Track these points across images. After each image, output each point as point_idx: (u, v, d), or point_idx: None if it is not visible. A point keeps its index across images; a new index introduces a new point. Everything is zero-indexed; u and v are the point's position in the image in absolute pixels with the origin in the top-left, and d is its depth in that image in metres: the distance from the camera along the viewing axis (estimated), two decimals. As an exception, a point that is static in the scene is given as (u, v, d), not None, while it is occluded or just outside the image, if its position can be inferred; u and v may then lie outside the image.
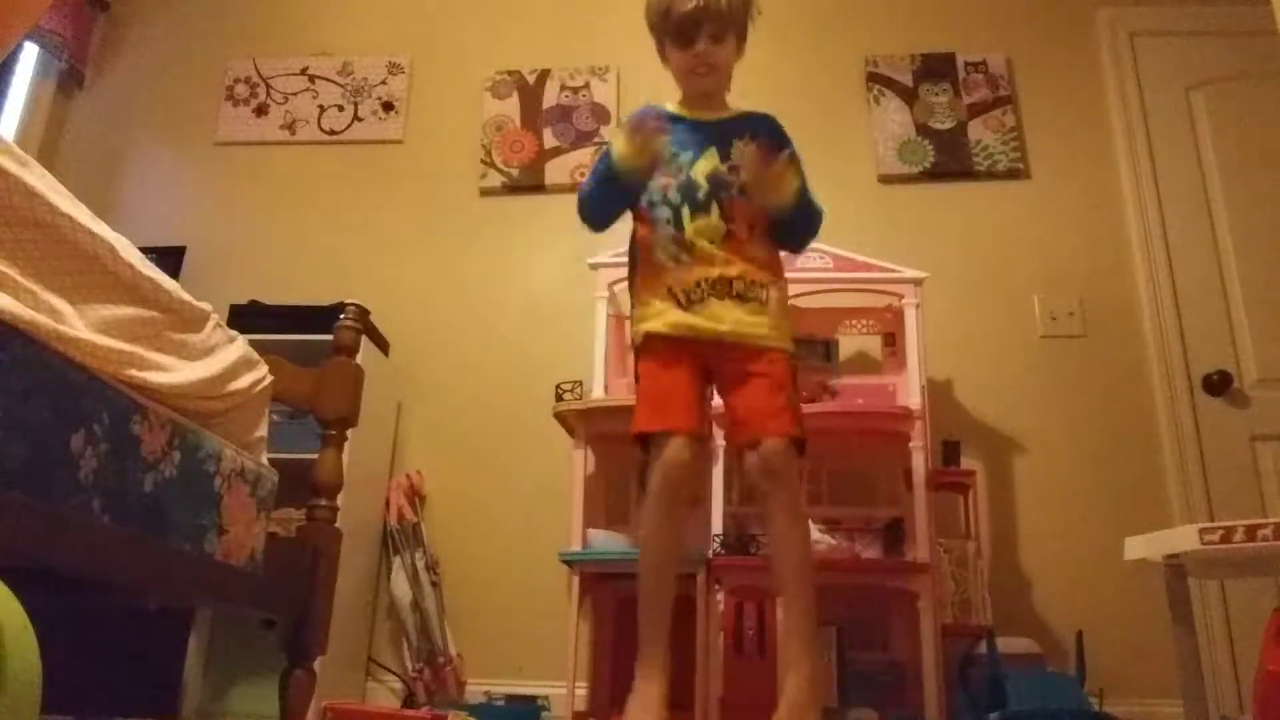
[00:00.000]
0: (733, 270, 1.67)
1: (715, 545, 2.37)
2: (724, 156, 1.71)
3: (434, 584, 2.74)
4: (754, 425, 1.64)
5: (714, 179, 1.69)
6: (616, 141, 1.73)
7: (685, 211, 1.68)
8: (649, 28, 1.77)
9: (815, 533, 2.45)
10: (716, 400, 1.87)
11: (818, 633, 1.66)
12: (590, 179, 1.80)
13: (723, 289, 1.66)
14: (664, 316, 1.69)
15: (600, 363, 2.64)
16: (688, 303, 1.67)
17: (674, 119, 1.74)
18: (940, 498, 2.59)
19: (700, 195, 1.68)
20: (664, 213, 1.70)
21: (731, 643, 2.32)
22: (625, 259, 2.72)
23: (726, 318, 1.66)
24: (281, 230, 3.29)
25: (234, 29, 3.59)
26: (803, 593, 1.64)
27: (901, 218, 3.10)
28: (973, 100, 3.21)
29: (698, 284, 1.66)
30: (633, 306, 1.82)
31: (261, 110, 3.45)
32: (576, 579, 2.47)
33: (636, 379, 1.76)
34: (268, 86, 3.48)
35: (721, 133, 1.74)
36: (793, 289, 2.59)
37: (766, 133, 1.76)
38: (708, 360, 1.71)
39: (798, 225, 1.82)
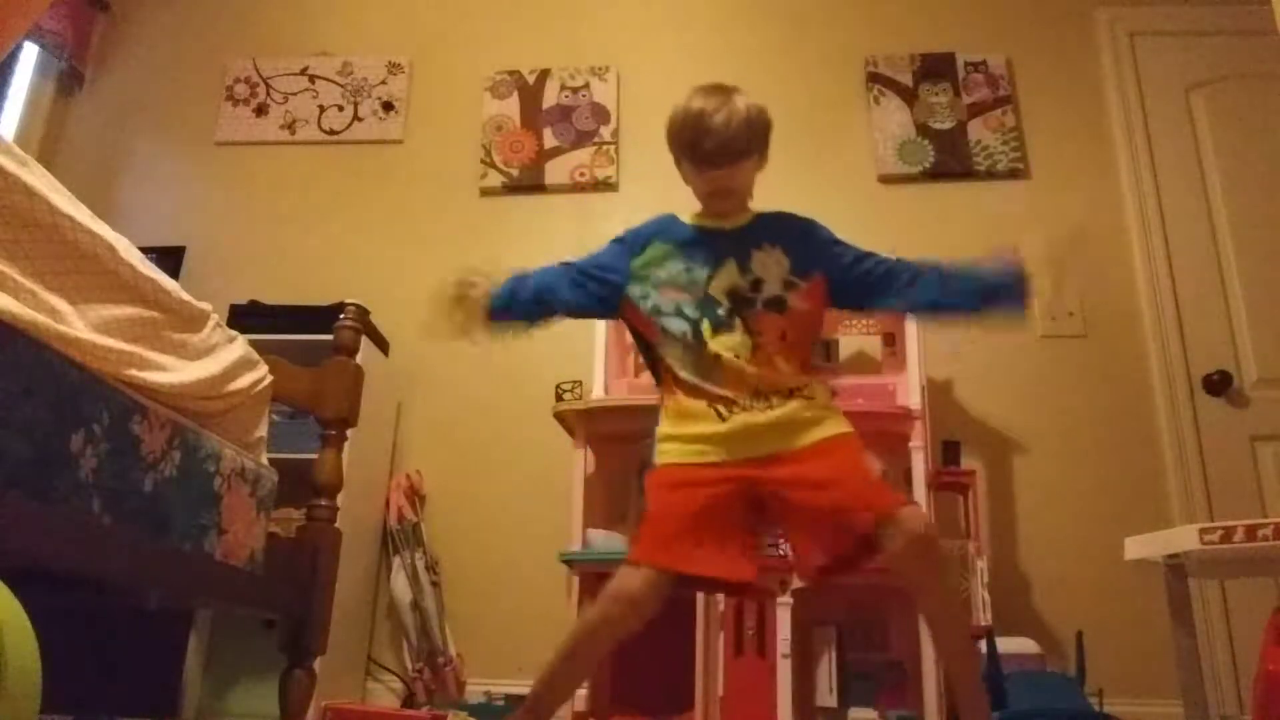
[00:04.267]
0: (766, 386, 1.49)
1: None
2: (743, 269, 1.54)
3: (434, 584, 2.74)
4: (866, 508, 1.41)
5: (733, 295, 1.52)
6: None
7: (705, 326, 1.51)
8: (667, 142, 1.62)
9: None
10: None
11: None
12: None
13: (761, 402, 1.48)
14: (684, 442, 1.50)
15: (600, 363, 2.64)
16: (708, 419, 1.49)
17: (689, 230, 1.61)
18: (940, 498, 2.59)
19: (721, 312, 1.51)
20: (679, 325, 1.52)
21: (731, 643, 2.32)
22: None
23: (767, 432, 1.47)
24: (281, 230, 3.29)
25: (234, 29, 3.59)
26: (973, 667, 1.52)
27: (901, 218, 3.10)
28: (973, 100, 3.21)
29: (718, 404, 1.48)
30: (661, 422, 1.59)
31: (261, 110, 3.45)
32: (576, 579, 2.47)
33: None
34: (268, 86, 3.48)
35: (740, 242, 1.58)
36: (793, 289, 2.61)
37: (792, 239, 1.60)
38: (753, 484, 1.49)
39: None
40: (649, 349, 1.60)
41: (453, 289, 1.65)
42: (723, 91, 1.57)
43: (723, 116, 1.52)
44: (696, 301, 1.53)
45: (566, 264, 1.64)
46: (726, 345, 1.50)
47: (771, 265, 1.55)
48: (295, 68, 3.49)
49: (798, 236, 1.62)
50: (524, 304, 1.63)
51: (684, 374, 1.51)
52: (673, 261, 1.57)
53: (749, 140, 1.55)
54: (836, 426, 1.51)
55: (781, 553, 2.24)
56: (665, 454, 1.52)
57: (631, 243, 1.62)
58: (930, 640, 1.85)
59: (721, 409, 1.47)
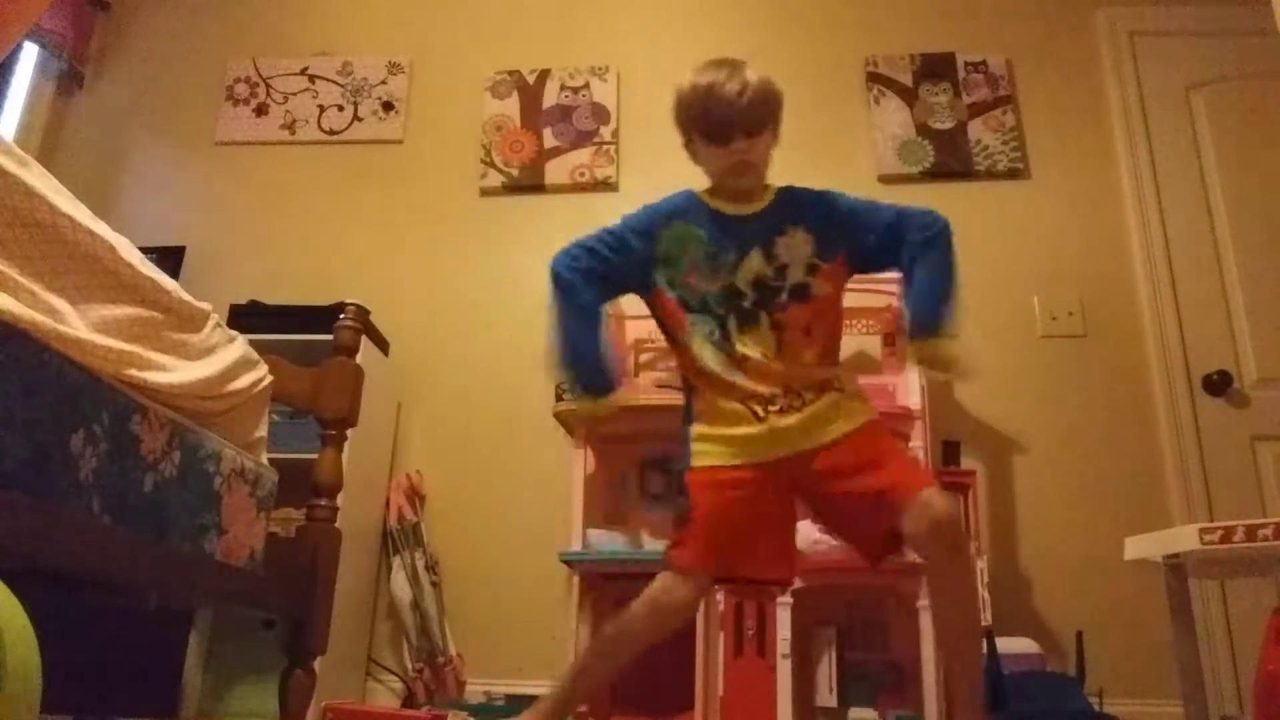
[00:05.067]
0: (795, 382, 1.48)
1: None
2: (768, 255, 1.51)
3: (434, 584, 2.74)
4: (893, 490, 1.41)
5: (758, 285, 1.50)
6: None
7: (732, 323, 1.49)
8: (675, 121, 1.57)
9: (815, 532, 2.45)
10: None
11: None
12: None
13: (795, 399, 1.47)
14: (717, 443, 1.50)
15: (600, 363, 2.64)
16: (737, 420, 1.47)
17: (710, 214, 1.56)
18: (940, 498, 2.58)
19: (746, 305, 1.49)
20: (705, 323, 1.51)
21: (731, 643, 2.32)
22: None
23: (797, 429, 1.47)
24: (281, 230, 3.29)
25: (234, 29, 3.59)
26: (975, 663, 1.48)
27: (901, 218, 3.09)
28: (973, 100, 3.21)
29: (746, 402, 1.47)
30: (689, 421, 1.56)
31: (261, 110, 3.45)
32: (576, 579, 2.47)
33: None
34: (268, 86, 3.48)
35: (764, 227, 1.53)
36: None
37: (816, 217, 1.55)
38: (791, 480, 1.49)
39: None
40: (675, 340, 1.57)
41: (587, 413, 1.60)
42: (730, 63, 1.52)
43: (735, 85, 1.48)
44: (722, 293, 1.50)
45: (589, 272, 1.60)
46: (753, 345, 1.48)
47: (796, 248, 1.52)
48: (295, 68, 3.49)
49: (821, 215, 1.57)
50: (608, 373, 1.58)
51: (715, 370, 1.49)
52: (695, 245, 1.53)
53: (765, 110, 1.51)
54: (865, 414, 1.51)
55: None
56: (703, 455, 1.51)
57: (651, 227, 1.57)
58: (935, 634, 1.82)
59: (757, 409, 1.46)
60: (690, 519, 1.47)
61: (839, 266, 1.55)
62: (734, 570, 1.47)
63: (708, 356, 1.50)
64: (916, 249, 1.56)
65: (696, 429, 1.53)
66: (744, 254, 1.51)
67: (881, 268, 1.62)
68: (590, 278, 1.57)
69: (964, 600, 1.47)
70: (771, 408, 1.46)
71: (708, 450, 1.50)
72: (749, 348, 1.48)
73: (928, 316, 1.52)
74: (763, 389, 1.47)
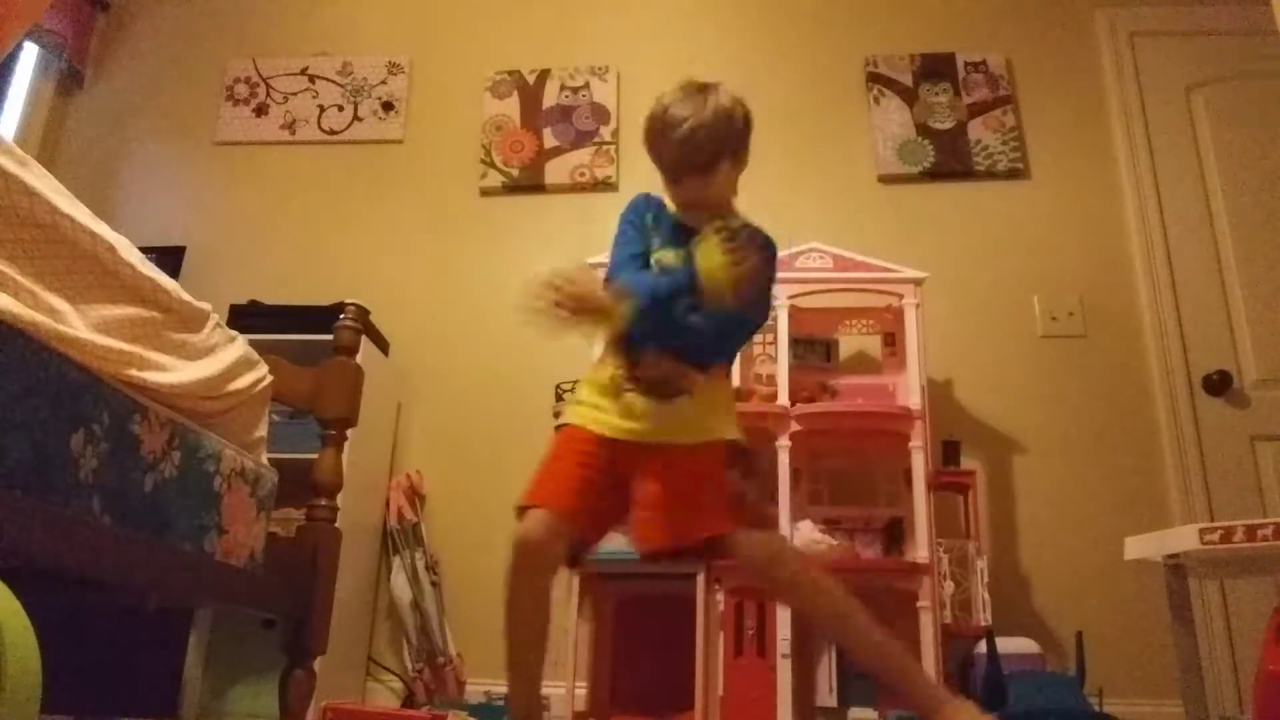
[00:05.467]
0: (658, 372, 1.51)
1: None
2: (686, 255, 1.52)
3: (434, 584, 2.74)
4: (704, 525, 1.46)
5: None
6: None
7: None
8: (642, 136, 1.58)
9: (815, 533, 2.45)
10: None
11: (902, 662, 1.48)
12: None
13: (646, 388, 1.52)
14: (596, 413, 1.55)
15: (600, 363, 2.64)
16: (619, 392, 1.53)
17: (666, 214, 1.61)
18: (940, 498, 2.59)
19: None
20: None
21: (731, 643, 2.32)
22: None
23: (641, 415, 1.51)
24: (281, 230, 3.29)
25: (234, 29, 3.59)
26: (896, 659, 1.47)
27: (901, 218, 3.10)
28: (973, 100, 3.21)
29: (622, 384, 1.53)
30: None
31: (261, 110, 3.45)
32: (576, 579, 2.47)
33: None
34: (268, 86, 3.48)
35: (693, 233, 1.55)
36: (793, 289, 2.62)
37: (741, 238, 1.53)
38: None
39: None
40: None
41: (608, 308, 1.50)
42: (697, 91, 1.52)
43: (686, 128, 1.47)
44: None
45: (633, 258, 1.60)
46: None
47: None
48: (295, 68, 3.49)
49: (750, 241, 1.56)
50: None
51: (617, 349, 1.55)
52: (657, 242, 1.59)
53: (717, 148, 1.50)
54: (706, 432, 1.52)
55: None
56: (575, 415, 1.57)
57: (643, 227, 1.62)
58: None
59: (619, 388, 1.52)
60: (546, 463, 1.54)
61: None
62: (575, 521, 1.47)
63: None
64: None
65: (580, 389, 1.61)
66: (674, 250, 1.56)
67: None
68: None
69: (835, 623, 1.49)
70: (626, 390, 1.52)
71: (578, 412, 1.57)
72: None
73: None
74: (633, 374, 1.52)
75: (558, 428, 1.59)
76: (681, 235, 1.57)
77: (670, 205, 1.62)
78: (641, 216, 1.63)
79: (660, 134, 1.51)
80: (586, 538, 1.52)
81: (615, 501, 1.52)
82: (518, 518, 1.47)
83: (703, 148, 1.49)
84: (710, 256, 1.42)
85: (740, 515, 1.45)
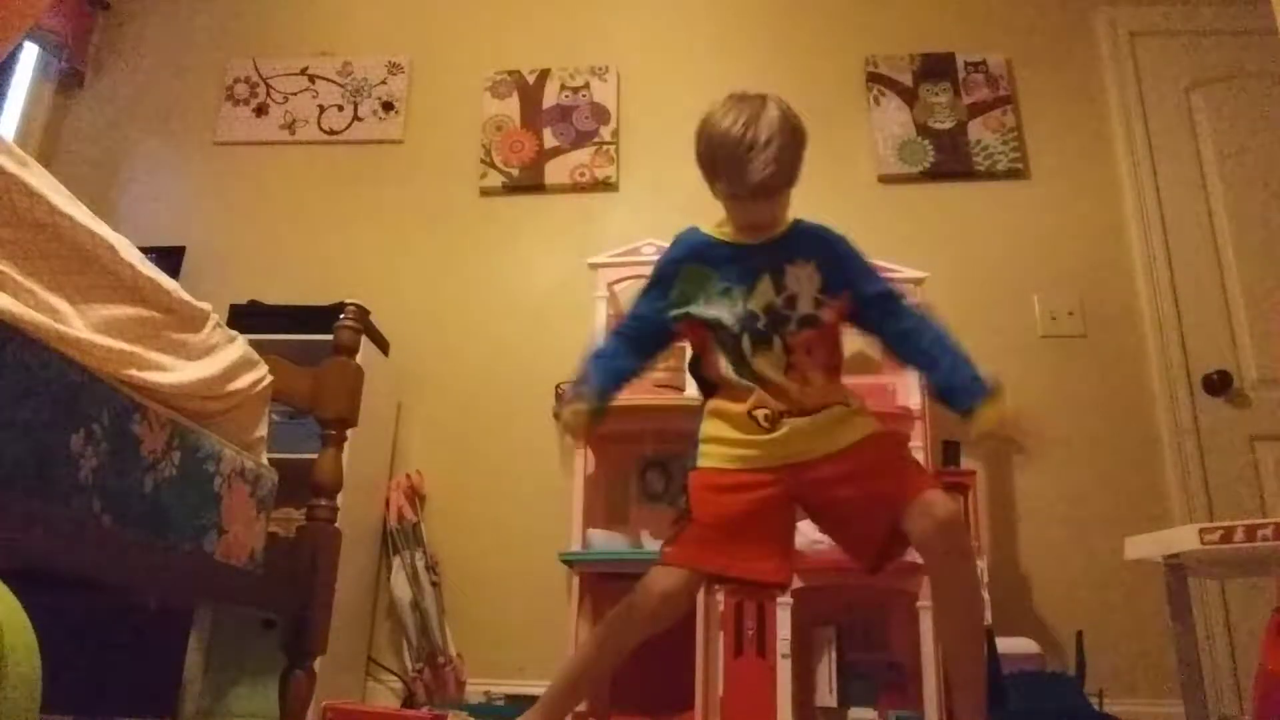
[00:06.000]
0: (806, 400, 1.51)
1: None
2: (777, 285, 1.53)
3: (434, 584, 2.74)
4: (896, 492, 1.45)
5: (770, 312, 1.53)
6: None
7: (746, 342, 1.52)
8: (698, 160, 1.56)
9: (815, 533, 2.45)
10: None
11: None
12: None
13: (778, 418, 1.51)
14: (733, 449, 1.53)
15: (600, 363, 2.64)
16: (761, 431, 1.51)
17: (719, 248, 1.59)
18: (940, 498, 2.58)
19: (760, 326, 1.52)
20: (727, 342, 1.55)
21: (731, 643, 2.32)
22: (624, 259, 2.75)
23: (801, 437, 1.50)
24: (281, 230, 3.29)
25: (234, 29, 3.59)
26: (978, 667, 1.51)
27: (901, 218, 3.10)
28: (973, 100, 3.21)
29: (766, 416, 1.50)
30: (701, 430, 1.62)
31: (261, 110, 3.45)
32: (576, 579, 2.47)
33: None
34: (268, 86, 3.48)
35: (773, 255, 1.56)
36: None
37: (823, 253, 1.58)
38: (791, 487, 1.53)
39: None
40: (698, 356, 1.63)
41: (566, 421, 1.59)
42: (753, 109, 1.50)
43: (761, 156, 1.46)
44: (737, 318, 1.53)
45: (618, 334, 1.66)
46: (765, 365, 1.52)
47: (804, 281, 1.55)
48: (295, 68, 3.49)
49: (831, 254, 1.60)
50: (613, 391, 1.61)
51: (733, 379, 1.53)
52: (712, 283, 1.56)
53: (790, 173, 1.52)
54: (870, 427, 1.53)
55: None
56: (708, 456, 1.55)
57: (663, 280, 1.62)
58: (937, 635, 1.81)
59: (765, 421, 1.50)
60: (687, 519, 1.51)
61: (842, 302, 1.59)
62: (726, 569, 1.48)
63: (725, 366, 1.55)
64: (915, 321, 1.60)
65: (705, 432, 1.58)
66: (755, 281, 1.55)
67: (863, 323, 1.64)
68: (636, 349, 1.65)
69: (967, 603, 1.49)
70: (780, 421, 1.50)
71: (712, 453, 1.55)
72: (762, 367, 1.52)
73: (974, 382, 1.57)
74: (773, 404, 1.50)
75: (694, 471, 1.56)
76: (744, 266, 1.55)
77: (718, 232, 1.61)
78: (681, 264, 1.60)
79: (733, 156, 1.47)
80: (755, 574, 1.49)
81: (785, 522, 1.53)
82: (659, 562, 1.48)
83: (782, 170, 1.48)
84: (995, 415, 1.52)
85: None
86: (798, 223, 1.63)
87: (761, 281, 1.54)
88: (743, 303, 1.53)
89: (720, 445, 1.54)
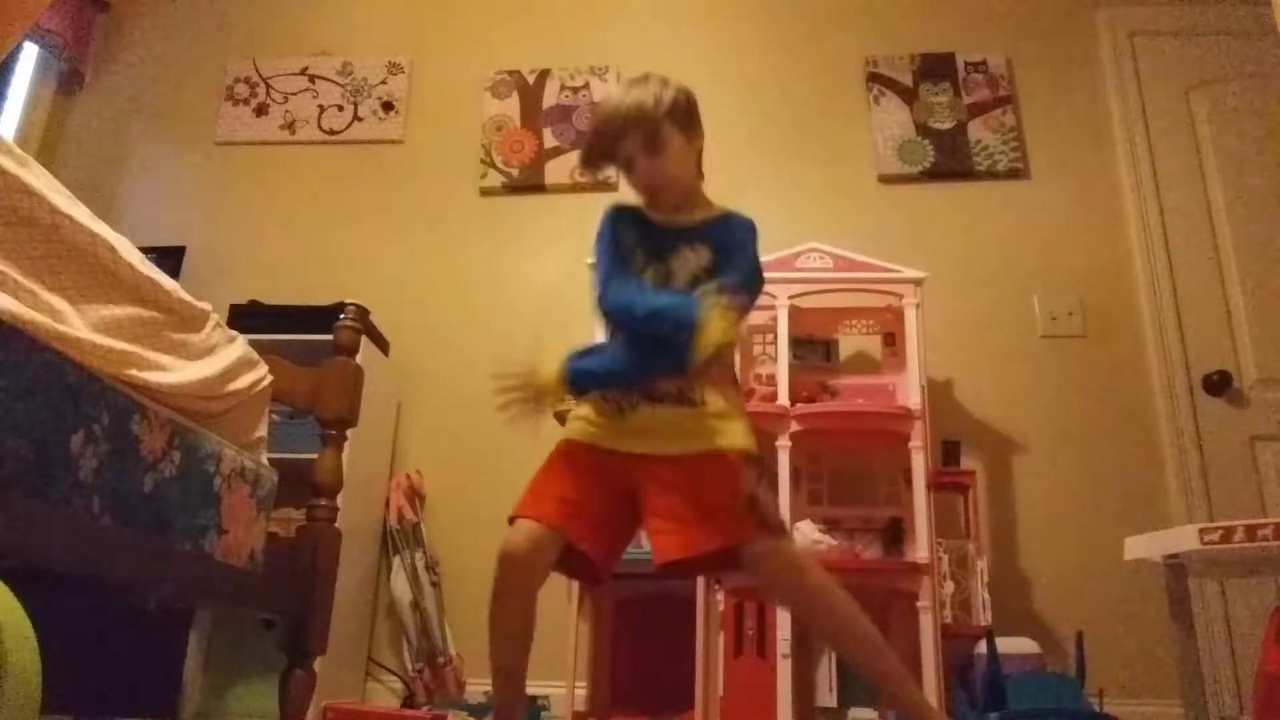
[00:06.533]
0: (657, 389, 1.48)
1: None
2: (662, 266, 1.51)
3: (434, 584, 2.74)
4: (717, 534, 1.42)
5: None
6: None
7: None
8: (591, 146, 1.61)
9: (815, 533, 2.45)
10: None
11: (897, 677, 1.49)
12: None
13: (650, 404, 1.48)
14: (584, 422, 1.54)
15: (600, 363, 2.64)
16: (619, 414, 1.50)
17: (639, 220, 1.57)
18: (940, 498, 2.59)
19: None
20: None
21: (731, 643, 2.32)
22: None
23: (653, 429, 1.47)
24: (281, 230, 3.29)
25: (234, 29, 3.59)
26: (874, 658, 1.48)
27: (901, 218, 3.10)
28: (973, 100, 3.21)
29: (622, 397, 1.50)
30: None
31: (261, 110, 3.45)
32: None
33: None
34: (268, 86, 3.48)
35: (675, 239, 1.54)
36: (793, 289, 2.62)
37: (725, 240, 1.53)
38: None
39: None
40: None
41: (521, 384, 1.57)
42: (638, 81, 1.52)
43: (620, 108, 1.49)
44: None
45: (621, 269, 1.55)
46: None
47: (690, 262, 1.51)
48: (295, 68, 3.49)
49: (730, 240, 1.54)
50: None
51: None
52: (626, 249, 1.55)
53: (654, 127, 1.48)
54: (714, 441, 1.46)
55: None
56: (568, 430, 1.56)
57: (615, 225, 1.58)
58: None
59: (622, 403, 1.50)
60: (536, 475, 1.52)
61: None
62: (564, 529, 1.44)
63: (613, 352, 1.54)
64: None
65: (576, 409, 1.58)
66: (647, 261, 1.53)
67: None
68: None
69: (841, 635, 1.49)
70: (628, 405, 1.49)
71: (572, 427, 1.56)
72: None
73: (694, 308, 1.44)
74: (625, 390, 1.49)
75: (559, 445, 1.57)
76: (659, 242, 1.53)
77: (645, 211, 1.57)
78: (615, 229, 1.57)
79: (598, 124, 1.54)
80: (589, 549, 1.46)
81: (623, 514, 1.49)
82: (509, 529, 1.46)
83: (635, 126, 1.48)
84: (714, 332, 1.35)
85: (755, 522, 1.40)
86: (725, 212, 1.58)
87: (650, 264, 1.53)
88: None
89: (578, 421, 1.55)
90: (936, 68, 3.27)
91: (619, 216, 1.59)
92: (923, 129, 3.19)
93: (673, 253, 1.52)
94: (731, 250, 1.52)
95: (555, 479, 1.50)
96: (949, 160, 3.15)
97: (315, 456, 1.97)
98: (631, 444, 1.48)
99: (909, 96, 3.23)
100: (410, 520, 2.79)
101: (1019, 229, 3.08)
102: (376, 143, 3.39)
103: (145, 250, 1.44)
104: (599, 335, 2.68)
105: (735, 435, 1.48)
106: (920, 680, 2.29)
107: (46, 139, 3.36)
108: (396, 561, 2.75)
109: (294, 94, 3.46)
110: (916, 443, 2.45)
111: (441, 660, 2.63)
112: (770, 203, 2.83)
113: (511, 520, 1.47)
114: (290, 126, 3.42)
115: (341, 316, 2.05)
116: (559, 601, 2.66)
